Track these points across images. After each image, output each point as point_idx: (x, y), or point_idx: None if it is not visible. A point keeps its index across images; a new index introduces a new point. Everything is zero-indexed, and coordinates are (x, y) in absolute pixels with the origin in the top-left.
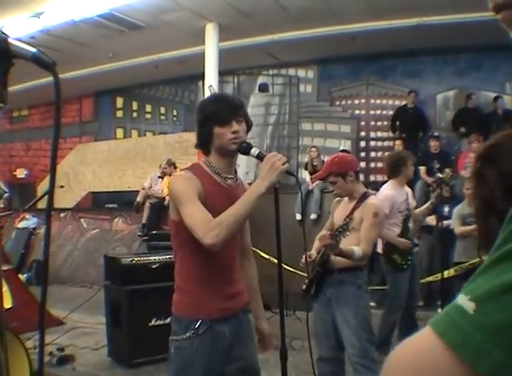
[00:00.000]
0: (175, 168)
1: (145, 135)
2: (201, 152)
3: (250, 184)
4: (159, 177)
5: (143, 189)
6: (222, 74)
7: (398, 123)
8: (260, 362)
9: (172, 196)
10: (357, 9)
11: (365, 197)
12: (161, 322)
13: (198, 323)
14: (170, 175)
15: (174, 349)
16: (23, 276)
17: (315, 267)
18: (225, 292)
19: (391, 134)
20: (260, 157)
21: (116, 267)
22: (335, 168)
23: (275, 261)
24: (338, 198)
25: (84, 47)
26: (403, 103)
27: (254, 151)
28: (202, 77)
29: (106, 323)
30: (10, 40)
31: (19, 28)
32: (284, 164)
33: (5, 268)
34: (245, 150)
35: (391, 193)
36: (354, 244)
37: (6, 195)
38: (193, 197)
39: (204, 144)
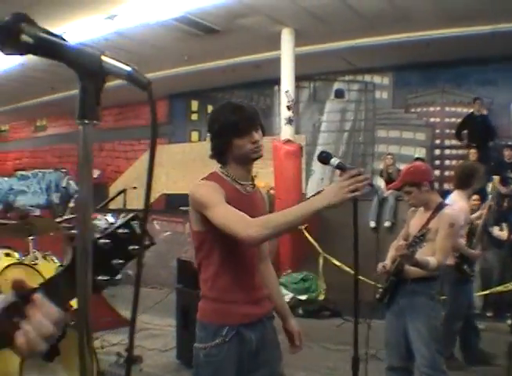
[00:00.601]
0: None
1: None
2: (218, 162)
3: (319, 192)
4: None
5: None
6: (298, 79)
7: (465, 131)
8: (329, 369)
9: (196, 202)
10: (432, 15)
11: (440, 207)
12: None
13: (226, 330)
14: None
15: (203, 357)
16: None
17: (390, 276)
18: (250, 297)
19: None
20: (340, 167)
21: (188, 270)
22: (410, 177)
23: (347, 269)
24: (413, 208)
25: (159, 50)
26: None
27: (334, 161)
28: (278, 81)
29: (176, 325)
30: (103, 58)
31: (94, 30)
32: (354, 191)
33: None
34: (325, 159)
35: (464, 204)
36: (429, 254)
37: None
38: (221, 199)
39: (221, 154)
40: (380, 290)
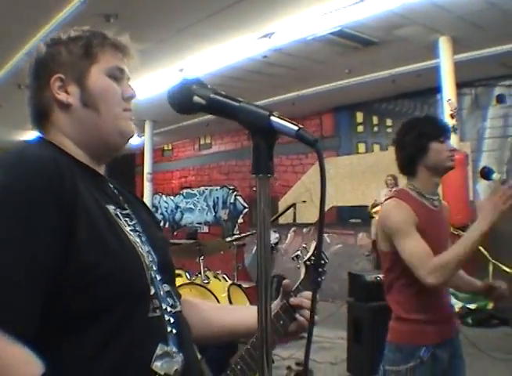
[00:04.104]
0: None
1: (387, 149)
2: (404, 174)
3: None
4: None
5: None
6: (459, 86)
7: None
8: None
9: (388, 227)
10: None
11: None
12: None
13: (423, 350)
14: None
15: None
16: None
17: None
18: (442, 316)
19: None
20: (504, 183)
21: (360, 284)
22: None
23: None
24: None
25: (319, 64)
26: None
27: (496, 176)
28: (439, 90)
29: (347, 338)
30: (272, 117)
31: (251, 48)
32: (507, 201)
33: (246, 285)
34: (487, 175)
35: None
36: None
37: (246, 211)
38: (411, 230)
39: (411, 163)
40: None
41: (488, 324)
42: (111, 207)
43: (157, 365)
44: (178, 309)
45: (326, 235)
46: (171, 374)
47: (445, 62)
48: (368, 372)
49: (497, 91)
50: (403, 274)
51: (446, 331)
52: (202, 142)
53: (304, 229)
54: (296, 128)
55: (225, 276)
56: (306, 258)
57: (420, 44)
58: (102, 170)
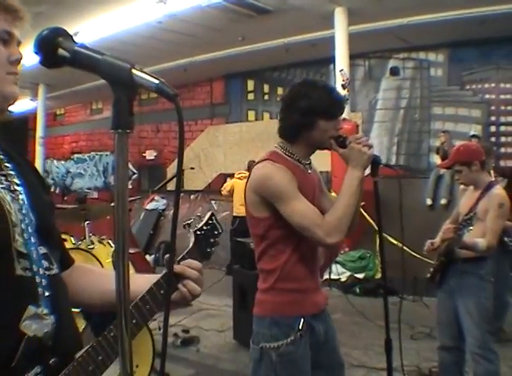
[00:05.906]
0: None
1: (277, 117)
2: (283, 138)
3: None
4: None
5: None
6: (353, 57)
7: None
8: (381, 348)
9: (269, 191)
10: None
11: (490, 186)
12: None
13: (301, 322)
14: None
15: (277, 357)
16: (150, 258)
17: (440, 256)
18: (316, 284)
19: None
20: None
21: (245, 251)
22: (460, 157)
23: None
24: (464, 186)
25: (213, 31)
26: None
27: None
28: (333, 60)
29: (233, 305)
30: (134, 70)
31: (146, 13)
32: (370, 148)
33: (132, 251)
34: (342, 144)
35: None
36: (479, 235)
37: (135, 176)
38: (297, 192)
39: (296, 132)
40: (431, 269)
41: (375, 294)
42: None
43: (26, 326)
44: (54, 271)
45: (213, 202)
46: (41, 336)
47: (340, 33)
48: None
49: (391, 63)
50: (279, 240)
51: (321, 301)
52: (94, 106)
53: (192, 196)
54: (157, 81)
55: (110, 241)
56: (198, 227)
57: (315, 14)
58: None
